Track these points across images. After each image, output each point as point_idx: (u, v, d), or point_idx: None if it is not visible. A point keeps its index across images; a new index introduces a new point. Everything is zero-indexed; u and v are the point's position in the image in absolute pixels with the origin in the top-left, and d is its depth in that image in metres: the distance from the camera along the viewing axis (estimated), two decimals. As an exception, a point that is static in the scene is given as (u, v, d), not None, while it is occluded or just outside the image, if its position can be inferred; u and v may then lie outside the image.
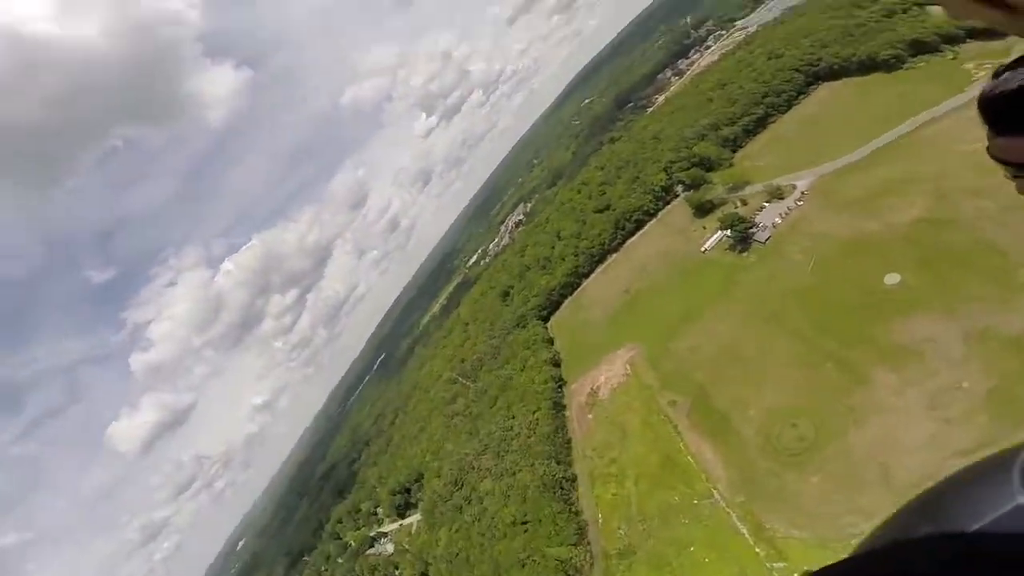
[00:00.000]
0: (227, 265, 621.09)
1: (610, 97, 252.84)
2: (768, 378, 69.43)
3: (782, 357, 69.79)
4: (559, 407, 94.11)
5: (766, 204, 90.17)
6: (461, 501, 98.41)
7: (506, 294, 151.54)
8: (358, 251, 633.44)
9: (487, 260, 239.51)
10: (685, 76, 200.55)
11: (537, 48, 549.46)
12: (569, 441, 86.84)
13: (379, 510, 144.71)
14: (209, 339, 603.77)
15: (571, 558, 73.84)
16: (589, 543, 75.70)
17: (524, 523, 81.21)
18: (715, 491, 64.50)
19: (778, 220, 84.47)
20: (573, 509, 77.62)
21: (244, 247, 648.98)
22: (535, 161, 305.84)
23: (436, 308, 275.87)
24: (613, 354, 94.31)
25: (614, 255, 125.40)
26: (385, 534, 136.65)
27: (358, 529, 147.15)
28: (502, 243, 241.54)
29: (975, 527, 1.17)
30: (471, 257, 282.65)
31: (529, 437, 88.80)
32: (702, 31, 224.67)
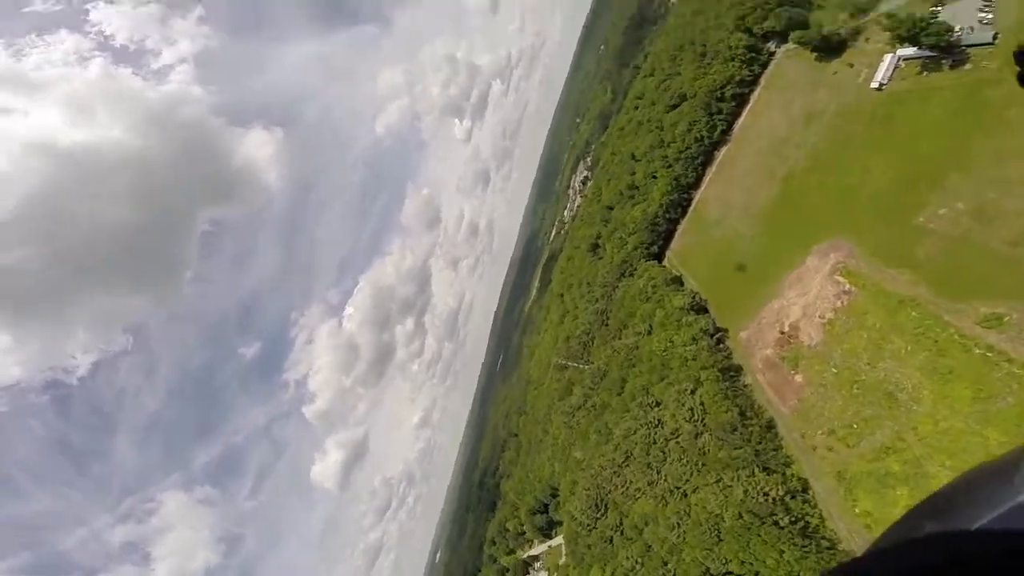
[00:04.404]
0: (348, 310, 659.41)
1: (622, 27, 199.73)
2: None
3: None
4: (731, 373, 54.24)
5: (939, 6, 58.95)
6: (609, 531, 63.10)
7: (595, 247, 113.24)
8: (452, 263, 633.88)
9: (567, 227, 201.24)
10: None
11: (531, 21, 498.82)
12: (771, 425, 47.00)
13: (524, 529, 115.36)
14: (357, 378, 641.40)
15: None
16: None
17: (732, 581, 43.43)
18: None
19: (987, 14, 54.73)
20: (821, 543, 38.34)
21: (355, 291, 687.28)
22: (578, 120, 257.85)
23: (533, 292, 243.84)
24: (799, 267, 52.93)
25: (723, 148, 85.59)
26: (536, 558, 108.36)
27: (510, 552, 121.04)
28: (575, 205, 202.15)
29: (978, 525, 1.14)
30: (551, 232, 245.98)
31: (697, 435, 49.96)
32: None
